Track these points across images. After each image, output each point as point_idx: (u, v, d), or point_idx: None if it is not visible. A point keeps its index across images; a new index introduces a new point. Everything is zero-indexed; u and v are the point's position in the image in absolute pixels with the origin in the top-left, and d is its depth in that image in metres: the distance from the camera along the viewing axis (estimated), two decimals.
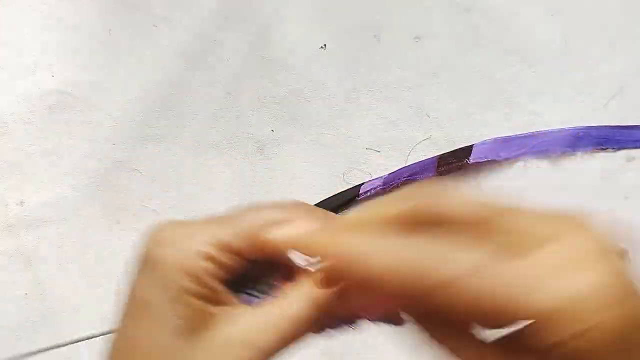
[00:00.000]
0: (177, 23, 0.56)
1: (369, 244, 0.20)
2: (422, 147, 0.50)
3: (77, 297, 0.49)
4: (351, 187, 0.50)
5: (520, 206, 0.19)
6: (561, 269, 0.17)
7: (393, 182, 0.49)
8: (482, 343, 0.20)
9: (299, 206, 0.25)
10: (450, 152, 0.49)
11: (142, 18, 0.56)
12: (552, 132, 0.50)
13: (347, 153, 0.52)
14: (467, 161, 0.48)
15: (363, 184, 0.49)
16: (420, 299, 0.18)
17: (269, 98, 0.53)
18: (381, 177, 0.50)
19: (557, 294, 0.17)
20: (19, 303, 0.48)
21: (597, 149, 0.52)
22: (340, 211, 0.49)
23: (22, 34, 0.55)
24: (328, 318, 0.24)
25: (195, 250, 0.22)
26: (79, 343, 0.46)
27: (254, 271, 0.25)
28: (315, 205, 0.49)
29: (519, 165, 0.49)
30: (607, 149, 0.52)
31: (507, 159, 0.49)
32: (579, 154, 0.49)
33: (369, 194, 0.49)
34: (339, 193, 0.49)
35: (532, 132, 0.50)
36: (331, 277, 0.22)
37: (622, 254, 0.18)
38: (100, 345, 0.43)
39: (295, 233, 0.23)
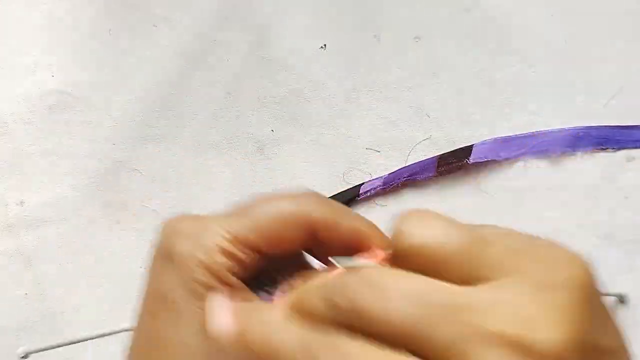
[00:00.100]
0: (177, 23, 0.56)
1: None
2: (422, 147, 0.50)
3: (77, 297, 0.49)
4: (351, 187, 0.50)
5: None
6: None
7: (393, 182, 0.49)
8: None
9: (311, 197, 0.24)
10: (450, 152, 0.49)
11: (142, 18, 0.56)
12: (552, 132, 0.50)
13: (347, 153, 0.52)
14: (467, 161, 0.48)
15: (363, 184, 0.49)
16: None
17: (269, 98, 0.53)
18: (381, 177, 0.50)
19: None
20: (19, 303, 0.48)
21: (597, 149, 0.52)
22: None
23: (22, 34, 0.55)
24: None
25: (213, 245, 0.22)
26: (79, 343, 0.46)
27: (269, 267, 0.25)
28: None
29: (519, 165, 0.49)
30: (607, 149, 0.52)
31: (507, 159, 0.49)
32: (579, 154, 0.49)
33: (369, 194, 0.49)
34: (339, 193, 0.49)
35: (532, 132, 0.50)
36: None
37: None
38: (100, 346, 0.43)
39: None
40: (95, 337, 0.41)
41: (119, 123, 0.52)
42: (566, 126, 0.52)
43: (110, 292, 0.48)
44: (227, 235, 0.22)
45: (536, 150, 0.49)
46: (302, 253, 0.27)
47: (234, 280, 0.22)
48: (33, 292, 0.48)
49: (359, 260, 0.23)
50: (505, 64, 0.55)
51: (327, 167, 0.51)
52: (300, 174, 0.51)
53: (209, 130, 0.53)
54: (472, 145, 0.49)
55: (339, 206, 0.25)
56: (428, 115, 0.53)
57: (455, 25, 0.56)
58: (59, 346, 0.40)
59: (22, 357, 0.39)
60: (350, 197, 0.49)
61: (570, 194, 0.49)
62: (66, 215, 0.50)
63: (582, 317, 0.15)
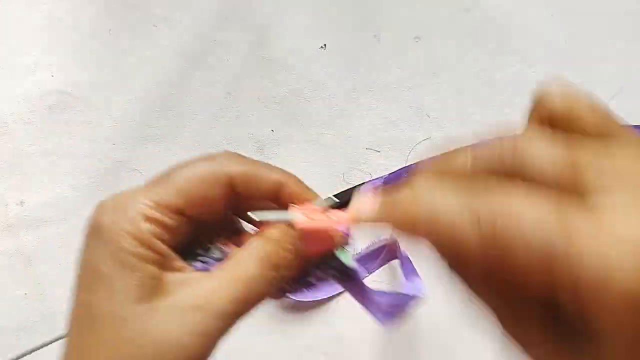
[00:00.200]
0: (177, 23, 0.56)
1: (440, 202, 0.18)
2: (422, 147, 0.50)
3: None
4: (351, 187, 0.50)
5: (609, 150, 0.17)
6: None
7: (393, 182, 0.49)
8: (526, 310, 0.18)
9: (229, 155, 0.25)
10: None
11: (142, 18, 0.56)
12: None
13: (347, 153, 0.52)
14: None
15: (363, 184, 0.49)
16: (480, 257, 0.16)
17: (269, 98, 0.53)
18: (381, 177, 0.50)
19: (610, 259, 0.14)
20: (19, 303, 0.48)
21: None
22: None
23: (22, 34, 0.55)
24: (285, 280, 0.24)
25: (136, 213, 0.23)
26: None
27: (202, 236, 0.25)
28: None
29: None
30: None
31: None
32: None
33: None
34: (339, 193, 0.49)
35: None
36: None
37: None
38: None
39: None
40: None
41: (119, 123, 0.52)
42: None
43: None
44: (150, 202, 0.23)
45: None
46: (234, 219, 0.27)
47: (162, 247, 0.23)
48: (33, 292, 0.48)
49: (283, 213, 0.24)
50: (505, 64, 0.55)
51: (327, 167, 0.51)
52: (300, 174, 0.51)
53: (209, 130, 0.53)
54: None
55: (258, 162, 0.25)
56: (428, 115, 0.53)
57: (455, 25, 0.56)
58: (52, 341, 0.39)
59: None
60: (350, 197, 0.49)
61: None
62: (66, 215, 0.50)
63: None
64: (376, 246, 0.49)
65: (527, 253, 0.15)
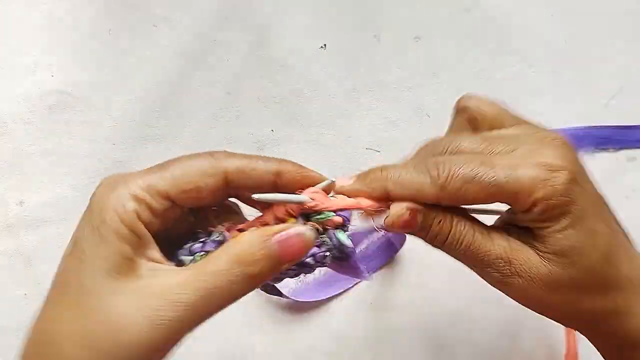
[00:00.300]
0: (177, 23, 0.56)
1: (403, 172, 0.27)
2: None
3: None
4: None
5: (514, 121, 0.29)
6: (526, 159, 0.25)
7: None
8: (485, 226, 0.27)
9: (224, 152, 0.26)
10: None
11: (142, 18, 0.56)
12: None
13: (347, 153, 0.52)
14: None
15: None
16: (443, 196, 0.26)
17: (269, 98, 0.53)
18: None
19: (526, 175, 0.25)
20: (19, 303, 0.48)
21: (597, 149, 0.52)
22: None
23: (22, 34, 0.55)
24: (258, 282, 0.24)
25: (126, 192, 0.24)
26: None
27: (201, 227, 0.26)
28: None
29: None
30: (607, 149, 0.52)
31: None
32: (579, 154, 0.50)
33: None
34: None
35: None
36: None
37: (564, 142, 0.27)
38: None
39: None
40: None
41: (119, 123, 0.52)
42: (566, 126, 0.52)
43: None
44: (141, 184, 0.24)
45: None
46: (235, 207, 0.28)
47: (142, 230, 0.24)
48: (33, 292, 0.48)
49: (287, 195, 0.26)
50: (505, 64, 0.55)
51: (327, 167, 0.51)
52: None
53: (209, 130, 0.53)
54: None
55: (255, 156, 0.26)
56: (428, 115, 0.53)
57: (455, 25, 0.56)
58: None
59: None
60: None
61: None
62: (66, 215, 0.50)
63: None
64: (374, 245, 0.49)
65: (473, 185, 0.25)
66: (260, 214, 0.27)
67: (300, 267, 0.26)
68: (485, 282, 0.28)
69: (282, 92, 0.54)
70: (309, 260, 0.26)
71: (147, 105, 0.53)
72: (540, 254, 0.26)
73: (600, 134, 0.52)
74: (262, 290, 0.38)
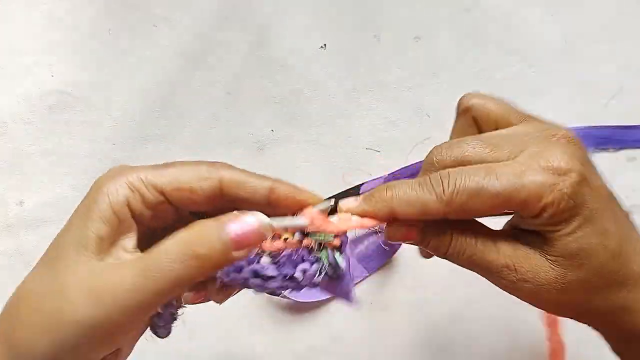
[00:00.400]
0: (177, 23, 0.56)
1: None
2: (422, 147, 0.50)
3: None
4: (351, 187, 0.50)
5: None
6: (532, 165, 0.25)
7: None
8: (491, 231, 0.28)
9: (227, 165, 0.27)
10: None
11: (142, 18, 0.56)
12: None
13: (347, 153, 0.52)
14: None
15: (363, 184, 0.49)
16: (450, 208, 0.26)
17: (269, 98, 0.53)
18: (381, 177, 0.50)
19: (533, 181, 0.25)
20: None
21: (597, 149, 0.52)
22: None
23: (22, 34, 0.55)
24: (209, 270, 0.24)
25: (123, 179, 0.26)
26: None
27: None
28: None
29: None
30: (607, 149, 0.52)
31: None
32: (587, 150, 0.50)
33: None
34: (338, 193, 0.49)
35: None
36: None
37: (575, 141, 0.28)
38: None
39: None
40: None
41: (119, 123, 0.52)
42: (566, 126, 0.52)
43: None
44: (140, 175, 0.26)
45: None
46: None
47: (128, 217, 0.25)
48: None
49: (291, 219, 0.26)
50: (505, 64, 0.55)
51: (327, 167, 0.51)
52: (300, 174, 0.51)
53: (209, 130, 0.53)
54: None
55: (251, 172, 0.27)
56: (428, 115, 0.53)
57: (455, 25, 0.56)
58: None
59: None
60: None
61: None
62: (66, 215, 0.50)
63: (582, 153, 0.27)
64: (374, 245, 0.49)
65: (479, 198, 0.25)
66: None
67: (288, 281, 0.26)
68: (489, 282, 0.28)
69: (282, 92, 0.54)
70: (297, 275, 0.26)
71: (147, 105, 0.53)
72: (549, 257, 0.26)
73: (600, 134, 0.52)
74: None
